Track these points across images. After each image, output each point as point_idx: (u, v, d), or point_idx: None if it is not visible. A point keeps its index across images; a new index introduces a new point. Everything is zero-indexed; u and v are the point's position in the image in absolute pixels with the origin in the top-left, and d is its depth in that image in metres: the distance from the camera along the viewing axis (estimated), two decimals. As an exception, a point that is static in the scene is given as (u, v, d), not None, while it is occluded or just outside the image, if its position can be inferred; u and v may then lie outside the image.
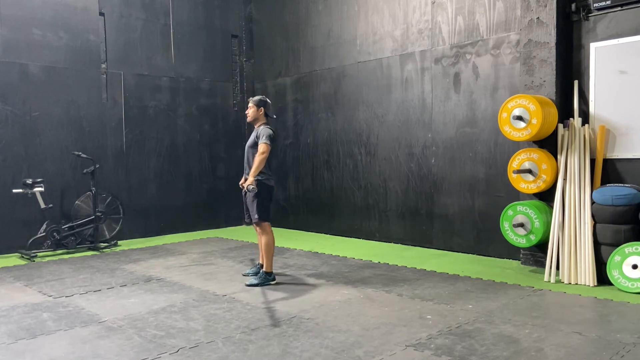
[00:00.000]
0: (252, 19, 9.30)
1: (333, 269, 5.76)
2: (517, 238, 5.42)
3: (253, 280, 5.15)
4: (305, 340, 3.63)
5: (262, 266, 5.26)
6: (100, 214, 7.26)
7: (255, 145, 5.11)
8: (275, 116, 5.25)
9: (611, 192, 4.91)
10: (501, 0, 6.06)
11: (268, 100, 5.32)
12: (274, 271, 5.29)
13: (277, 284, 5.17)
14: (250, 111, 5.25)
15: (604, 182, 5.25)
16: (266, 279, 5.14)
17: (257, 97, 5.32)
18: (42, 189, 6.77)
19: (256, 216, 5.07)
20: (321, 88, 8.19)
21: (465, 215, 6.47)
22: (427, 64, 6.80)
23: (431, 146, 6.78)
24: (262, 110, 5.22)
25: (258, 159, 4.94)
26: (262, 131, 5.09)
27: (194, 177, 8.70)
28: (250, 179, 4.92)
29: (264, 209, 5.07)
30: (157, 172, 8.28)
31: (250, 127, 5.65)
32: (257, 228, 5.19)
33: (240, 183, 5.31)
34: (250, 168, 5.09)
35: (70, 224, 7.03)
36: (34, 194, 6.75)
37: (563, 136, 5.38)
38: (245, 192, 5.15)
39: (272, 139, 5.05)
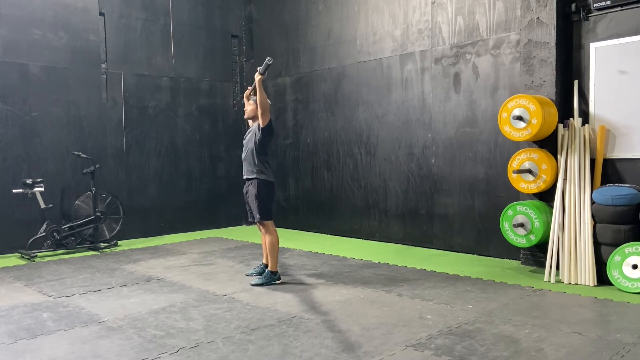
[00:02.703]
0: (252, 19, 9.30)
1: (333, 269, 5.76)
2: (517, 238, 5.42)
3: (258, 279, 5.16)
4: (305, 340, 3.63)
5: (266, 266, 5.27)
6: (100, 214, 7.26)
7: (253, 139, 5.10)
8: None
9: (611, 192, 4.91)
10: (501, 0, 6.06)
11: (269, 103, 5.33)
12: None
13: (281, 283, 5.17)
14: (250, 108, 5.24)
15: (604, 182, 5.25)
16: (271, 278, 5.14)
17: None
18: (42, 189, 6.77)
19: (257, 216, 5.08)
20: (321, 88, 8.19)
21: (465, 215, 6.47)
22: (427, 64, 6.80)
23: (431, 146, 6.78)
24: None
25: (266, 104, 4.96)
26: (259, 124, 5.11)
27: (194, 177, 8.70)
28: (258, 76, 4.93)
29: (265, 208, 5.08)
30: (157, 172, 8.28)
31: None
32: (261, 227, 5.20)
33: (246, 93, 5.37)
34: (249, 165, 5.13)
35: (70, 224, 7.03)
36: (34, 194, 6.75)
37: (563, 136, 5.38)
38: (247, 192, 5.16)
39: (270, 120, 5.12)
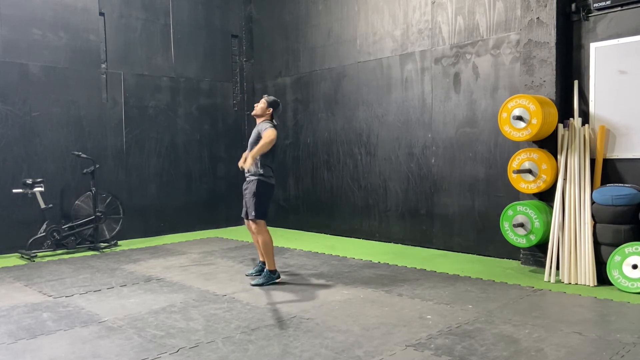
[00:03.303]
0: (252, 19, 9.30)
1: (333, 269, 5.76)
2: (517, 238, 5.42)
3: (258, 279, 5.16)
4: (305, 340, 3.63)
5: (264, 264, 5.27)
6: (100, 214, 7.26)
7: (258, 139, 5.10)
8: (277, 123, 5.26)
9: (611, 192, 4.91)
10: (501, 0, 6.06)
11: (280, 106, 5.34)
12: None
13: (281, 282, 5.17)
14: (260, 106, 5.24)
15: (604, 182, 5.25)
16: (271, 277, 5.15)
17: (272, 97, 5.31)
18: (42, 189, 6.77)
19: (253, 213, 5.07)
20: (321, 88, 8.19)
21: (465, 215, 6.47)
22: (427, 64, 6.80)
23: (431, 146, 6.78)
24: (271, 110, 5.21)
25: (264, 141, 4.89)
26: (264, 124, 5.10)
27: (194, 177, 8.70)
28: (250, 160, 4.87)
29: (262, 207, 5.08)
30: (157, 172, 8.28)
31: (250, 126, 5.65)
32: (252, 226, 5.19)
33: (239, 163, 5.30)
34: (251, 166, 5.10)
35: (70, 224, 7.03)
36: (34, 194, 6.75)
37: (563, 136, 5.38)
38: (246, 188, 5.16)
39: (276, 128, 5.10)
